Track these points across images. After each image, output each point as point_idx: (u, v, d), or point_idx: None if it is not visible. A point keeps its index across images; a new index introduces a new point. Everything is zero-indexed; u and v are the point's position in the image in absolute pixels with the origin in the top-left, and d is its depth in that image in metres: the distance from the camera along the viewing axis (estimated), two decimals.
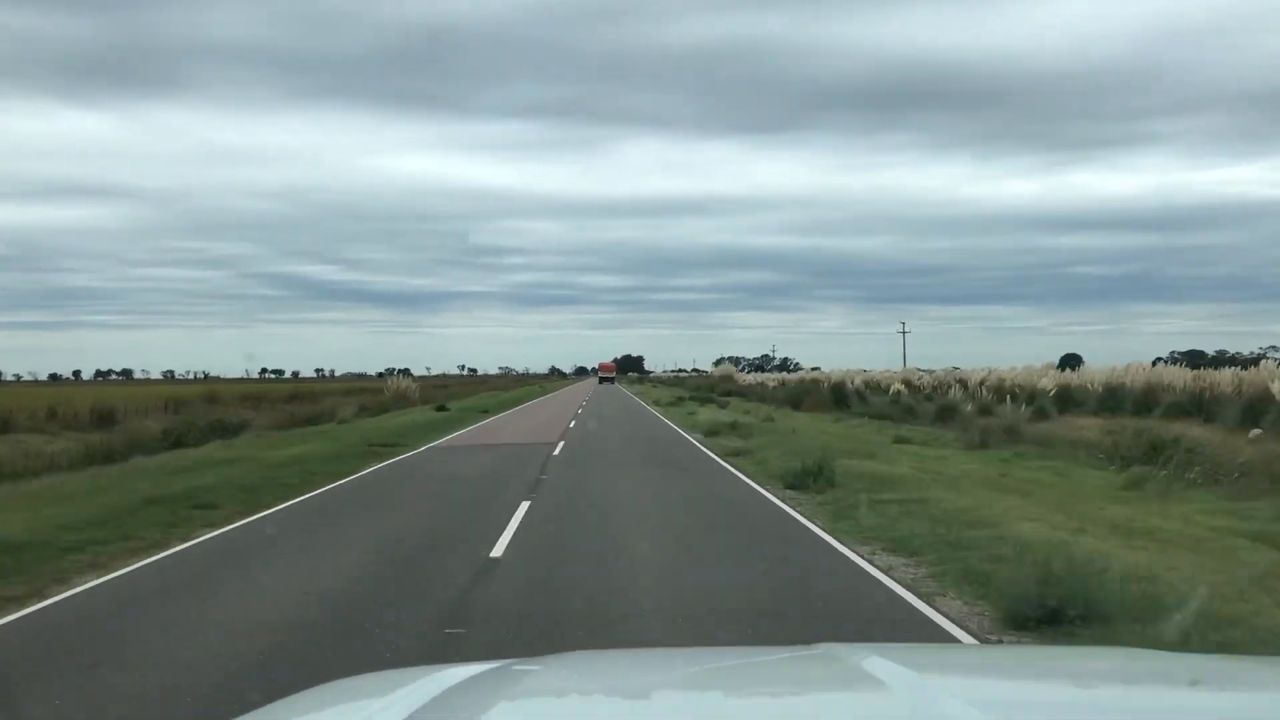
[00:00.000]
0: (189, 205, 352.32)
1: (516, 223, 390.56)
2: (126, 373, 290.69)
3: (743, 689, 2.75)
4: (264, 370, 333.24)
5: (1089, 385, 45.80)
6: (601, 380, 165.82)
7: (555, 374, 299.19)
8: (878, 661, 2.61)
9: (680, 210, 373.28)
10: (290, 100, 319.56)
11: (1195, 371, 42.95)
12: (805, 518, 15.11)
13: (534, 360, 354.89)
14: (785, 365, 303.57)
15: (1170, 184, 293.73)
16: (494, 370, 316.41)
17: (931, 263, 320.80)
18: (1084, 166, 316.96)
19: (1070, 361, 67.16)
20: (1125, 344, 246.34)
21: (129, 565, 11.73)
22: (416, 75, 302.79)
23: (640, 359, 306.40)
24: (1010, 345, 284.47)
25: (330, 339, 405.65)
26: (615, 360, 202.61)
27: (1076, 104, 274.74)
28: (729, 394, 78.63)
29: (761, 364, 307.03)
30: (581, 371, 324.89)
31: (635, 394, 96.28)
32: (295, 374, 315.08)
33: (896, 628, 8.62)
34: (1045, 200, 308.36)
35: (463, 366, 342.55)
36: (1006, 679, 2.89)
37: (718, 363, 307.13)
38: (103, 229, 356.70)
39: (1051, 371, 53.20)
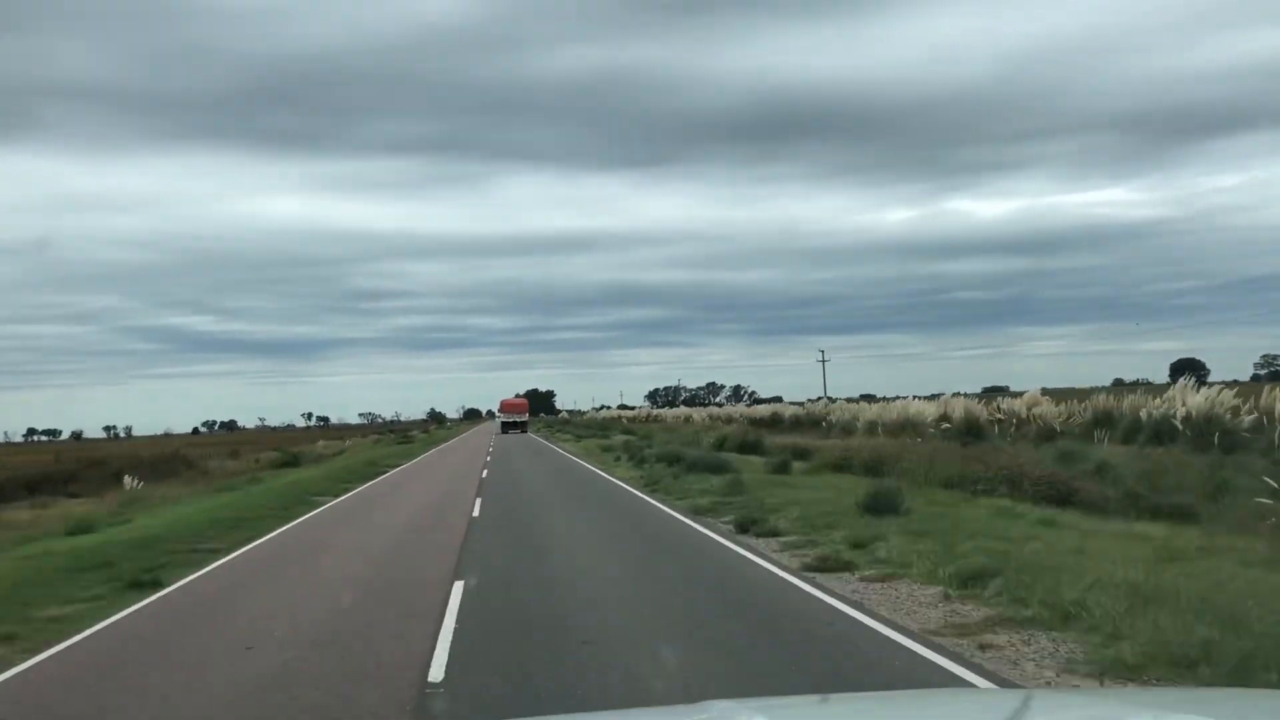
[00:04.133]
0: (49, 257, 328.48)
1: (399, 265, 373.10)
2: None
3: None
4: (31, 432, 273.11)
5: None
6: (506, 427, 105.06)
7: (434, 420, 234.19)
8: None
9: (568, 247, 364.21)
10: (150, 142, 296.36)
11: None
12: None
13: (418, 405, 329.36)
14: (739, 395, 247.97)
15: (1045, 207, 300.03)
16: (353, 419, 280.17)
17: (818, 293, 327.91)
18: (962, 192, 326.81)
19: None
20: (1005, 366, 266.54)
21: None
22: (284, 112, 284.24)
23: (550, 394, 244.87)
24: (897, 373, 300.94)
25: (209, 392, 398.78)
26: (523, 395, 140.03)
27: (953, 130, 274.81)
28: None
29: (706, 395, 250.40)
30: (473, 415, 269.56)
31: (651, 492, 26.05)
32: (77, 434, 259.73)
33: None
34: (925, 227, 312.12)
35: (309, 415, 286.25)
36: None
37: (652, 395, 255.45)
38: None
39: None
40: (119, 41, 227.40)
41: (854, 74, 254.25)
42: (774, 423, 63.13)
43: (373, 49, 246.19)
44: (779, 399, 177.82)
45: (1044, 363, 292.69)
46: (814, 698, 5.69)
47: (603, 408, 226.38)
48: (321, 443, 74.05)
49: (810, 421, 57.85)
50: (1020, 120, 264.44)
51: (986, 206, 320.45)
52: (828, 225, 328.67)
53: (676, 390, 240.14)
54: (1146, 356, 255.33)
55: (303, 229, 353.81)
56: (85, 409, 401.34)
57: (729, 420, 72.25)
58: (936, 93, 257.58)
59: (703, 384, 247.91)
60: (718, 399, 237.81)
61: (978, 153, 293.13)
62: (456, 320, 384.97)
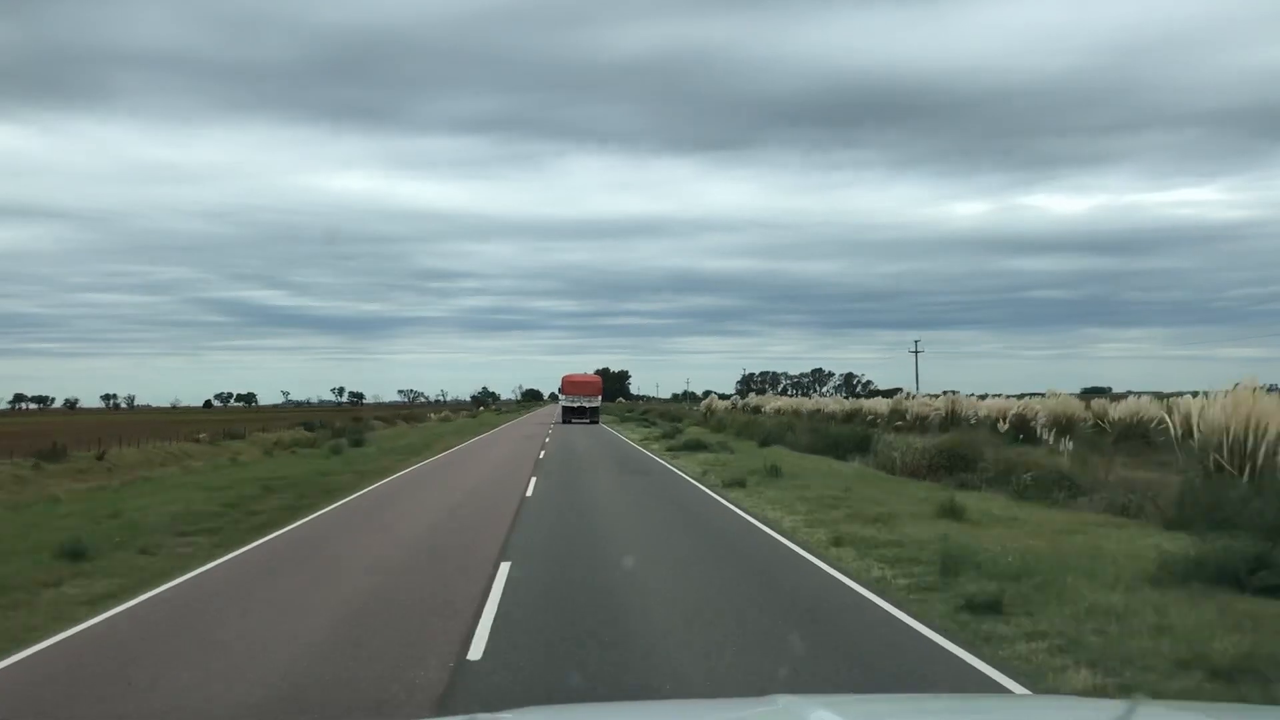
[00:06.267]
0: (125, 226, 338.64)
1: (463, 245, 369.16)
2: None
3: None
4: (19, 398, 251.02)
5: None
6: (568, 414, 78.14)
7: (479, 402, 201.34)
8: (827, 715, 2.78)
9: (634, 232, 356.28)
10: (223, 113, 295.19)
11: None
12: None
13: (478, 386, 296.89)
14: (853, 386, 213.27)
15: (1127, 204, 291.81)
16: (393, 397, 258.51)
17: (887, 286, 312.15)
18: (1040, 186, 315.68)
19: None
20: (1079, 368, 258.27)
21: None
22: (354, 86, 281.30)
23: (624, 376, 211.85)
24: (966, 370, 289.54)
25: (279, 366, 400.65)
26: (595, 373, 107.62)
27: (1036, 120, 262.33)
28: None
29: (811, 383, 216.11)
30: (533, 397, 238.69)
31: None
32: (72, 403, 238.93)
33: None
34: (1000, 221, 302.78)
35: (340, 390, 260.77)
36: None
37: (745, 381, 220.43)
38: (37, 251, 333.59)
39: None
40: (195, 9, 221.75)
41: (931, 60, 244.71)
42: None
43: (442, 23, 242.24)
44: (898, 390, 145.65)
45: (1121, 366, 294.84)
46: (892, 697, 5.63)
47: (686, 394, 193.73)
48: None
49: None
50: (1104, 114, 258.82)
51: (1065, 202, 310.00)
52: (899, 217, 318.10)
53: (775, 377, 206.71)
54: (1229, 364, 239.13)
55: (370, 205, 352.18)
56: (168, 377, 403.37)
57: (1070, 421, 37.95)
58: (1017, 82, 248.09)
59: (803, 370, 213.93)
60: (824, 389, 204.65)
61: (1057, 146, 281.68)
62: (520, 302, 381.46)
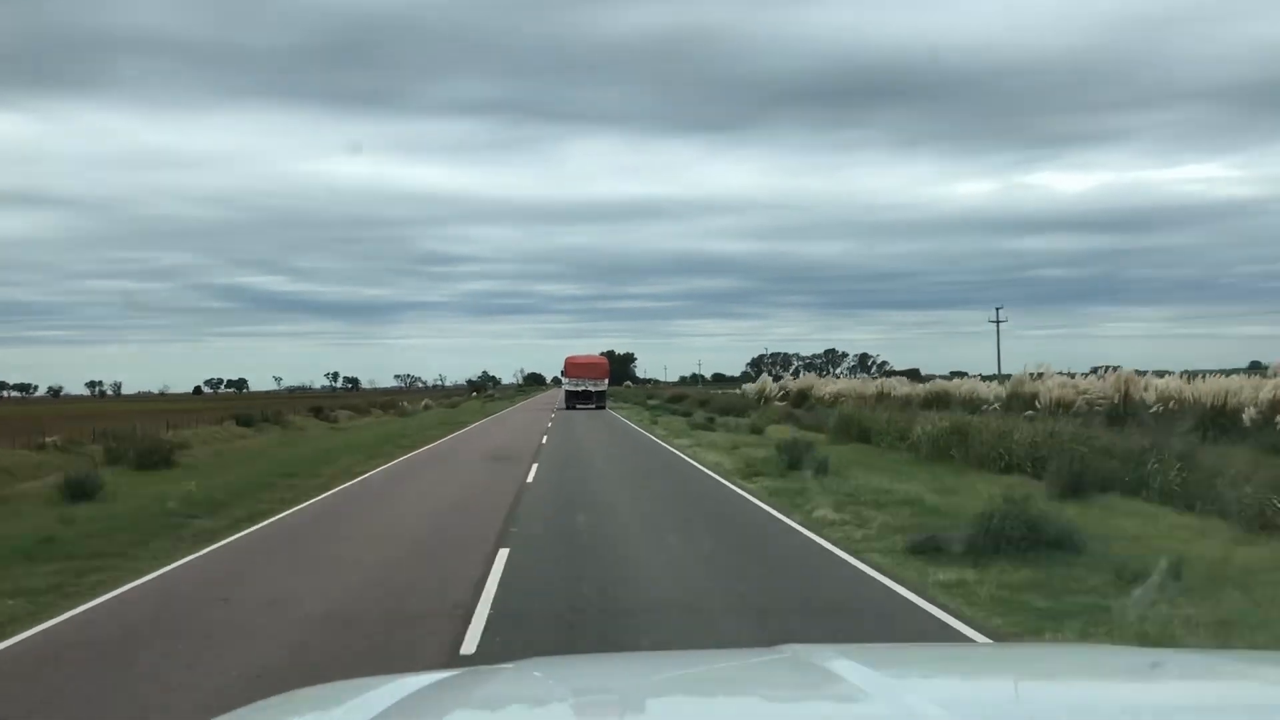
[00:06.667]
0: (127, 213, 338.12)
1: (465, 229, 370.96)
2: None
3: (709, 695, 2.77)
4: (1, 385, 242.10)
5: None
6: (572, 399, 73.72)
7: (478, 386, 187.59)
8: (844, 663, 2.66)
9: (636, 215, 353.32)
10: (222, 98, 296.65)
11: None
12: None
13: (478, 370, 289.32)
14: (867, 367, 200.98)
15: (1132, 182, 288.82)
16: (389, 382, 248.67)
17: (892, 267, 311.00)
18: (1045, 164, 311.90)
19: None
20: (1085, 347, 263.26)
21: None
22: (355, 70, 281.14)
23: (630, 358, 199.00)
24: (971, 351, 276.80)
25: (278, 351, 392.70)
26: (601, 355, 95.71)
27: (1040, 98, 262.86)
28: None
29: (824, 364, 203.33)
30: (535, 381, 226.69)
31: None
32: (55, 390, 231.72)
33: None
34: (1005, 200, 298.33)
35: (335, 375, 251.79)
36: (974, 678, 2.91)
37: (756, 363, 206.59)
38: (37, 239, 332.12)
39: None
40: None
41: (935, 38, 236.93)
42: None
43: (442, 6, 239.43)
44: (915, 371, 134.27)
45: (1127, 344, 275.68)
46: (903, 645, 5.73)
47: (696, 377, 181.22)
48: None
49: None
50: (1109, 90, 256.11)
51: (1070, 180, 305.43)
52: (903, 196, 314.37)
53: (786, 358, 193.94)
54: (1236, 341, 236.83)
55: (371, 190, 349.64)
56: (86, 365, 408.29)
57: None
58: (1020, 60, 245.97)
59: (816, 351, 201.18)
60: (838, 370, 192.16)
61: (1063, 123, 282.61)
62: (522, 286, 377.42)
